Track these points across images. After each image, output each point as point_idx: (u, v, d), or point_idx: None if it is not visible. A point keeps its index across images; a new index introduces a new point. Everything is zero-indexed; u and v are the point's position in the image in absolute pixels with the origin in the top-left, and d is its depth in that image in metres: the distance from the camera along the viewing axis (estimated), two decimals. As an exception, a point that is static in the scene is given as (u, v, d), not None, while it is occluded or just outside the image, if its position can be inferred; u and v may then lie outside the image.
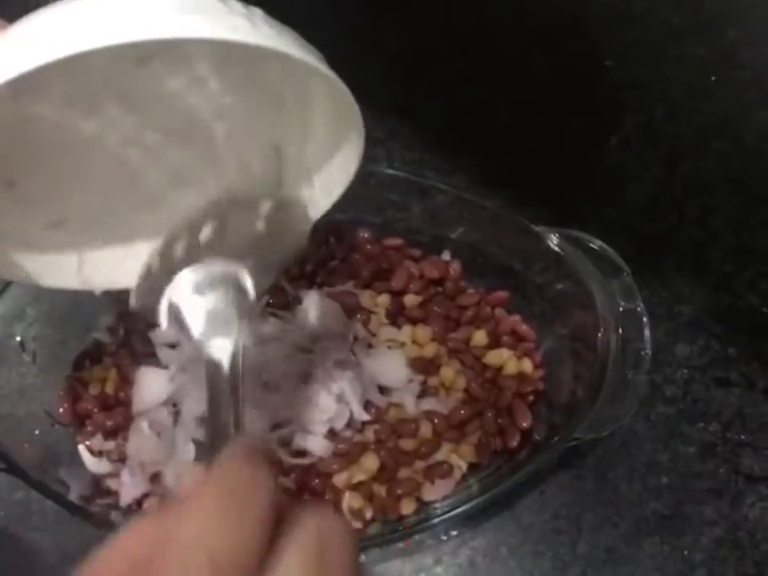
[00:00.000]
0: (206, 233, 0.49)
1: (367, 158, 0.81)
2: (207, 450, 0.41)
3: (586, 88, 0.85)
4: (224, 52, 0.42)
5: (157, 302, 0.48)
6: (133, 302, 0.50)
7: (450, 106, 0.85)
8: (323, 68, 0.40)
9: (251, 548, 0.29)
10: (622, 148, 0.83)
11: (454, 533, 0.67)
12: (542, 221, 0.68)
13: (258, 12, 0.40)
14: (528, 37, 0.87)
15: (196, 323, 0.46)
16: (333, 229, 0.73)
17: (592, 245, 0.65)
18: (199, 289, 0.48)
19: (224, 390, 0.43)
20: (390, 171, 0.73)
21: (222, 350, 0.45)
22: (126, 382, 0.67)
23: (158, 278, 0.49)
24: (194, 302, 0.47)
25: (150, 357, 0.67)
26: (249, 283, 0.48)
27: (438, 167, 0.82)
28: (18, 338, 0.66)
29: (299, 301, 0.67)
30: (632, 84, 0.85)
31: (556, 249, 0.65)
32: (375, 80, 0.86)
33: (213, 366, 0.44)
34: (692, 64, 0.86)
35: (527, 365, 0.68)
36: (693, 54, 0.86)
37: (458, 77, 0.87)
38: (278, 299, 0.68)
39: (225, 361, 0.44)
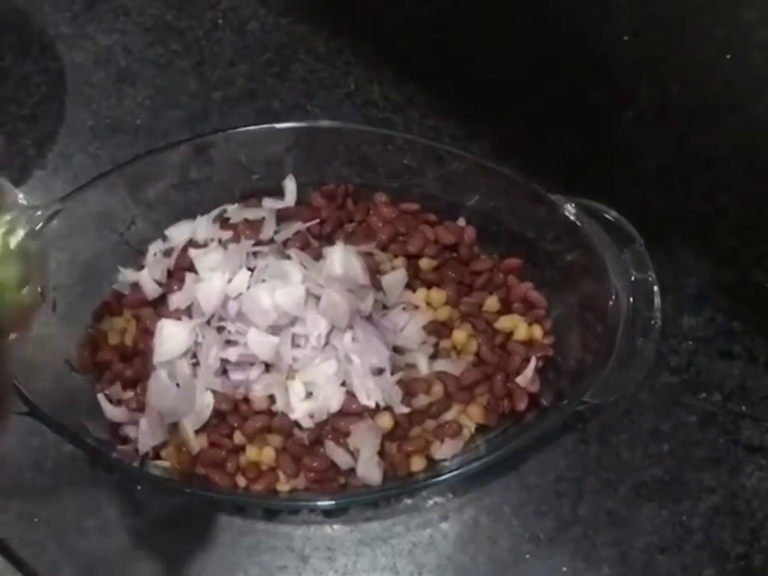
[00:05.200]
0: None
1: (385, 124, 0.83)
2: None
3: (604, 61, 0.86)
4: None
5: None
6: None
7: (467, 73, 0.85)
8: None
9: None
10: (636, 123, 0.83)
11: (461, 491, 0.69)
12: (553, 190, 0.69)
13: None
14: (547, 7, 0.87)
15: None
16: (350, 192, 0.74)
17: (607, 215, 0.66)
18: None
19: None
20: (407, 136, 0.73)
21: None
22: (145, 333, 0.68)
23: None
24: None
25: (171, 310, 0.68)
26: None
27: (453, 134, 0.83)
28: (39, 288, 0.67)
29: (322, 254, 0.68)
30: (648, 59, 0.85)
31: (572, 218, 0.66)
32: (393, 46, 0.87)
33: None
34: (708, 42, 0.87)
35: (537, 331, 0.70)
36: (709, 32, 0.86)
37: (475, 44, 0.87)
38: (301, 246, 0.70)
39: None
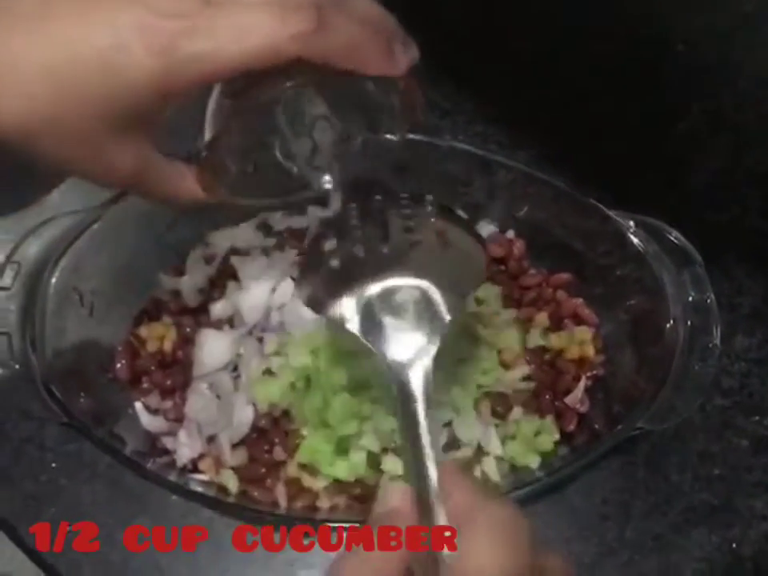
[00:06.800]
0: None
1: (430, 130, 0.81)
2: (409, 472, 0.44)
3: (657, 70, 0.84)
4: None
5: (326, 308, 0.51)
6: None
7: (516, 79, 0.84)
8: None
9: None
10: (688, 134, 0.81)
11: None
12: (602, 201, 0.67)
13: None
14: (601, 14, 0.85)
15: (389, 339, 0.48)
16: (395, 200, 0.72)
17: (668, 235, 0.64)
18: (391, 304, 0.50)
19: (417, 412, 0.44)
20: (454, 144, 0.71)
21: (416, 373, 0.46)
22: (184, 341, 0.67)
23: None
24: (388, 319, 0.49)
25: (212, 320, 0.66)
26: (440, 301, 0.49)
27: (501, 142, 0.81)
28: (76, 291, 0.66)
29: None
30: (702, 69, 0.83)
31: (632, 236, 0.64)
32: (439, 50, 0.85)
33: (406, 389, 0.45)
34: (763, 52, 0.85)
35: (588, 349, 0.68)
36: (764, 43, 0.84)
37: (525, 50, 0.85)
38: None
39: (419, 384, 0.46)
